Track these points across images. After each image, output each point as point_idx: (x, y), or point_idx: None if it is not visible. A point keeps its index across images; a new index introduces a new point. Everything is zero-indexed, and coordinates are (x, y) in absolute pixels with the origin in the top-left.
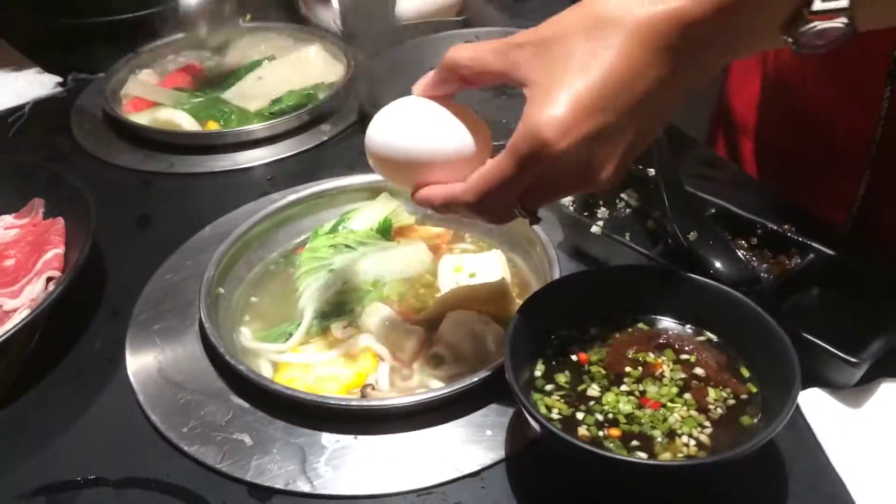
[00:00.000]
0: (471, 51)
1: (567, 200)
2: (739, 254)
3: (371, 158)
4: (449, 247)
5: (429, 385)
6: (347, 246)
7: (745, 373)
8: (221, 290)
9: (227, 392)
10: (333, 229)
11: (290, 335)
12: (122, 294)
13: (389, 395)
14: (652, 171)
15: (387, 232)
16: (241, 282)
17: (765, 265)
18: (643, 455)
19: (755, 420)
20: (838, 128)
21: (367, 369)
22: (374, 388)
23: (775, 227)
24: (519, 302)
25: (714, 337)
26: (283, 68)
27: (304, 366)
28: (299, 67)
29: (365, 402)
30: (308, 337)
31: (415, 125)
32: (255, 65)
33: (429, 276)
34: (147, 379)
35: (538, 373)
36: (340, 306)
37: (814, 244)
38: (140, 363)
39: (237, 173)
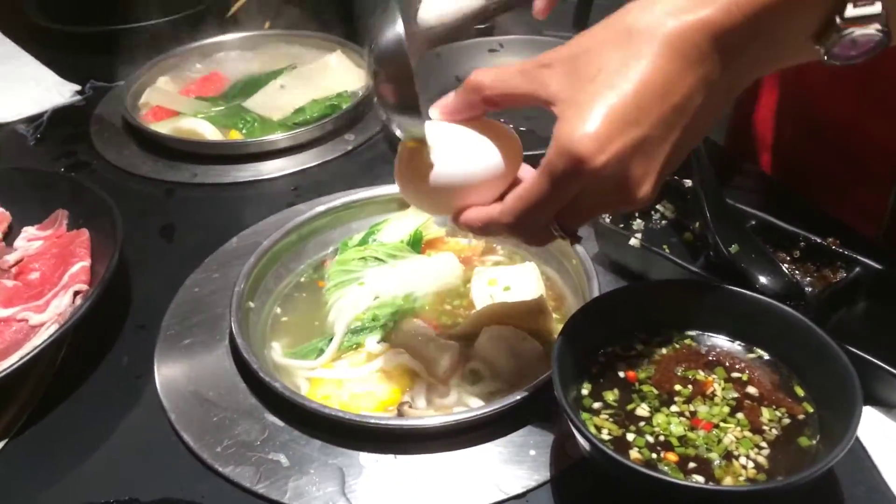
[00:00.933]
0: (495, 73)
1: None
2: (783, 268)
3: (403, 192)
4: (481, 259)
5: (467, 402)
6: (378, 258)
7: (800, 392)
8: (251, 304)
9: (260, 410)
10: (363, 241)
11: (322, 350)
12: (149, 308)
13: (427, 412)
14: (689, 182)
15: (417, 244)
16: (270, 295)
17: (808, 279)
18: (700, 479)
19: (814, 441)
20: (863, 140)
21: (402, 386)
22: (410, 406)
23: (819, 240)
24: (556, 317)
25: (765, 354)
26: (304, 77)
27: (338, 382)
28: (321, 75)
29: (406, 422)
30: (340, 353)
31: (445, 153)
32: (277, 73)
33: (461, 289)
34: (177, 396)
35: (585, 391)
36: (372, 321)
37: (860, 258)
38: (170, 379)
39: (261, 183)
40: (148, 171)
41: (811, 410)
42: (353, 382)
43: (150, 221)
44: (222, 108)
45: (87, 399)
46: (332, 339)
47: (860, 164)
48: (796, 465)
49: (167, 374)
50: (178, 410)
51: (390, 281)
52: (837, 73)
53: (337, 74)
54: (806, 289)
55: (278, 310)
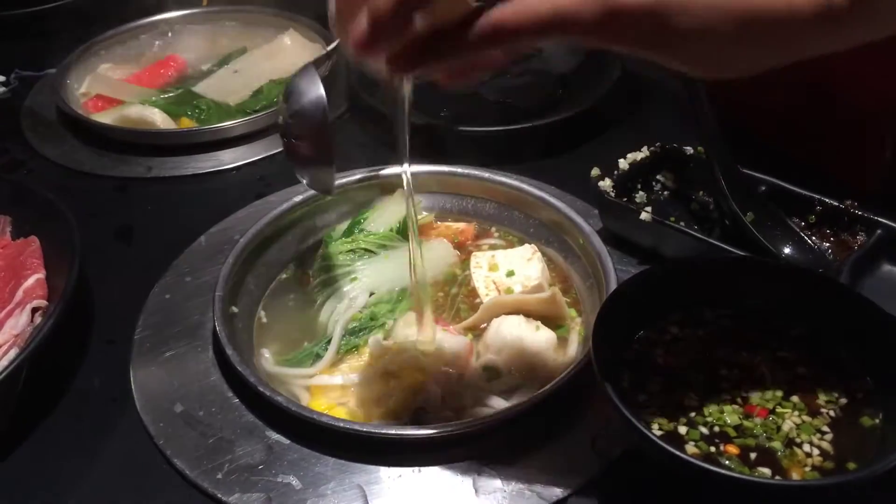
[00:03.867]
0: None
1: (607, 185)
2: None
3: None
4: (475, 244)
5: (485, 402)
6: (368, 250)
7: (851, 367)
8: (235, 309)
9: (260, 427)
10: (349, 232)
11: (319, 356)
12: (116, 320)
13: (446, 416)
14: (690, 150)
15: (407, 232)
16: (252, 297)
17: (826, 245)
18: (767, 471)
19: (877, 420)
20: (861, 90)
21: (412, 388)
22: (426, 411)
23: (836, 204)
24: (566, 300)
25: (807, 329)
26: (258, 59)
27: (341, 389)
28: (276, 57)
29: (430, 430)
30: (339, 357)
31: None
32: (227, 60)
33: (458, 276)
34: (163, 418)
35: (626, 383)
36: (371, 320)
37: (881, 219)
38: (151, 400)
39: (225, 174)
40: (94, 167)
41: (867, 387)
42: (358, 388)
43: (104, 223)
44: (171, 94)
45: (57, 431)
46: (328, 343)
47: (858, 115)
48: (863, 448)
49: (147, 393)
50: (165, 435)
51: (385, 274)
52: None
53: (293, 54)
54: (827, 255)
55: (262, 313)
